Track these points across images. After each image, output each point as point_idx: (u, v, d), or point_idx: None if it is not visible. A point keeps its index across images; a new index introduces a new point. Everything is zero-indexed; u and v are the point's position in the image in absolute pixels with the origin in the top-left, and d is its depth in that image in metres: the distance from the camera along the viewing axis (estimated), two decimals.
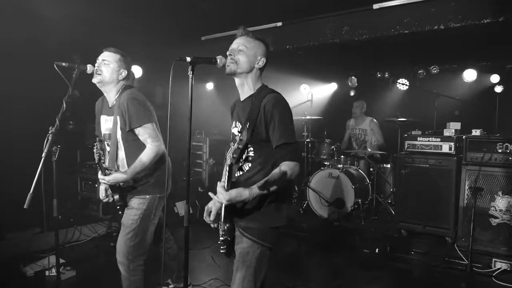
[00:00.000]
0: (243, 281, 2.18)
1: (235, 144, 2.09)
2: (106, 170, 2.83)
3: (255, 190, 2.05)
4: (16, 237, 4.83)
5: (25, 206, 2.40)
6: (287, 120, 2.18)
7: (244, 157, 2.26)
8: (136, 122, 2.86)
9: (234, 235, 2.29)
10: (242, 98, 2.41)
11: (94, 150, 2.80)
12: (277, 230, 2.27)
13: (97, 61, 2.92)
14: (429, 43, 5.26)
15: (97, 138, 2.97)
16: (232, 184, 2.14)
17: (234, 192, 2.04)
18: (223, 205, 2.18)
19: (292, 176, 2.08)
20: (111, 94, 3.00)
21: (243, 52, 2.27)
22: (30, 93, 4.75)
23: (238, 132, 2.35)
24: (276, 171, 2.08)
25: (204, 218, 2.39)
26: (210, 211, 2.36)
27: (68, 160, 5.87)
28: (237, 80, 2.40)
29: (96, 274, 4.27)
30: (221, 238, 2.30)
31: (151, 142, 2.89)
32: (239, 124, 2.36)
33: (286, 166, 2.08)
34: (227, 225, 2.25)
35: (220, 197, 2.05)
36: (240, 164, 2.29)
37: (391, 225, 5.46)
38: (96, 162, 2.79)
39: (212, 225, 2.42)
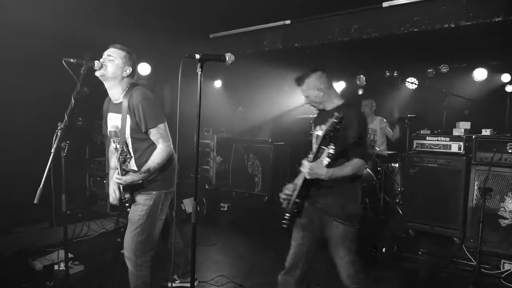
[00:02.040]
0: (348, 254, 2.74)
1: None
2: (124, 171, 2.89)
3: (332, 171, 2.57)
4: (26, 231, 4.89)
5: (35, 201, 2.42)
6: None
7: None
8: (152, 123, 2.89)
9: (301, 210, 2.81)
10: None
11: (119, 152, 2.88)
12: (359, 214, 2.84)
13: (103, 56, 2.94)
14: (439, 41, 5.21)
15: (124, 142, 2.99)
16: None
17: (315, 164, 2.55)
18: (300, 182, 2.70)
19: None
20: (115, 90, 2.99)
21: None
22: (39, 89, 4.79)
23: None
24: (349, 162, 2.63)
25: (280, 195, 2.92)
26: (287, 189, 2.90)
27: (76, 156, 5.92)
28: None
29: (104, 269, 4.31)
30: (286, 215, 2.82)
31: (162, 143, 2.94)
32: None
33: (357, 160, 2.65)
34: (297, 200, 2.76)
35: (304, 169, 2.54)
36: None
37: (398, 224, 5.43)
38: (120, 163, 2.87)
39: (283, 202, 2.91)
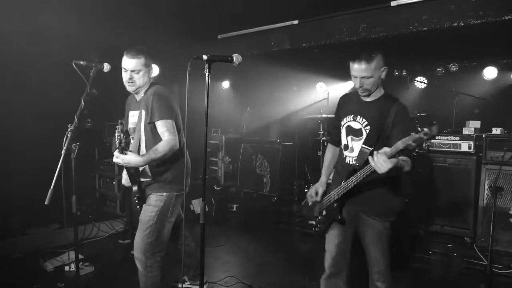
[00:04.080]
0: (384, 254, 2.72)
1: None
2: (124, 150, 2.80)
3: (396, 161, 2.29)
4: (37, 232, 4.94)
5: (46, 202, 2.45)
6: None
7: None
8: (157, 116, 2.89)
9: (339, 216, 2.68)
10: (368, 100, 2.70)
11: (116, 133, 2.78)
12: (398, 207, 2.75)
13: (124, 70, 2.93)
14: (448, 40, 5.17)
15: (119, 121, 2.95)
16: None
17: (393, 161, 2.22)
18: (342, 187, 2.60)
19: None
20: (141, 91, 3.06)
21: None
22: (49, 91, 4.83)
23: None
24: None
25: (308, 196, 2.88)
26: (317, 192, 2.84)
27: (86, 157, 5.97)
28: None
29: (114, 270, 4.34)
30: (319, 217, 2.84)
31: (168, 136, 2.90)
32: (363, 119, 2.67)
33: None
34: (335, 204, 2.69)
35: (380, 161, 2.22)
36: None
37: (408, 224, 5.39)
38: (117, 144, 2.78)
39: (310, 203, 2.91)
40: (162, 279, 3.16)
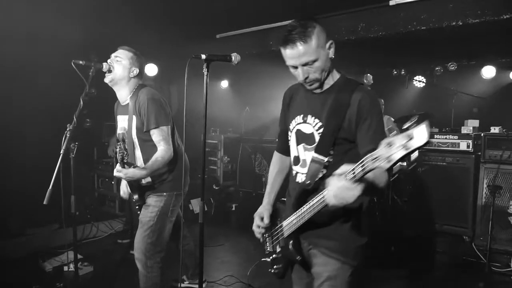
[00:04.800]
0: None
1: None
2: (126, 165, 2.80)
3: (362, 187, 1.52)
4: (36, 232, 4.93)
5: (44, 202, 2.44)
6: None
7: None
8: (155, 123, 2.87)
9: (302, 254, 1.91)
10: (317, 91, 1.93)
11: (117, 150, 2.78)
12: (364, 247, 1.92)
13: (110, 57, 2.95)
14: (447, 39, 5.17)
15: (117, 139, 2.97)
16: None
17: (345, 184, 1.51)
18: (296, 219, 1.86)
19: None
20: (122, 92, 3.01)
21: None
22: (48, 91, 4.83)
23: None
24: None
25: (254, 228, 2.13)
26: (262, 218, 2.09)
27: (85, 157, 5.96)
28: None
29: (113, 270, 4.33)
30: (273, 256, 2.03)
31: (164, 145, 2.89)
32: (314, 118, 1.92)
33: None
34: (291, 241, 1.88)
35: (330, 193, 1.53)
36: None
37: (407, 223, 5.40)
38: (120, 161, 2.76)
39: (261, 239, 2.16)
40: (162, 279, 3.16)
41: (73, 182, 3.05)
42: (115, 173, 2.80)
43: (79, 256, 3.98)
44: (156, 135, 2.90)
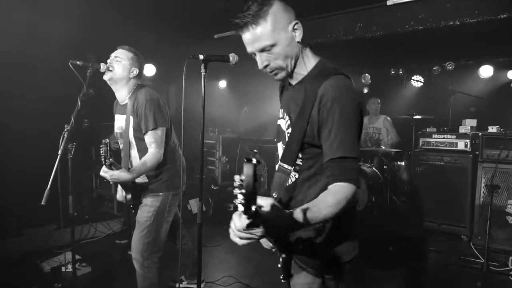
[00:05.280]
0: None
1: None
2: (112, 166, 2.77)
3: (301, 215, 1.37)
4: (33, 233, 4.92)
5: (42, 203, 2.44)
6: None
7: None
8: (152, 124, 2.86)
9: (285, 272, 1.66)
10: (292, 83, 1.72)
11: (101, 151, 2.73)
12: (346, 263, 1.71)
13: (110, 57, 2.94)
14: (444, 39, 5.19)
15: (103, 141, 2.93)
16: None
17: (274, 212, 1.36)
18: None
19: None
20: (121, 92, 3.00)
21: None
22: (45, 92, 4.82)
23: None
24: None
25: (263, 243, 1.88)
26: None
27: (83, 157, 5.94)
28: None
29: (111, 270, 4.33)
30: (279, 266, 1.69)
31: (155, 148, 2.89)
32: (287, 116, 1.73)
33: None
34: (282, 255, 1.62)
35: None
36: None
37: (405, 223, 5.41)
38: (103, 161, 2.73)
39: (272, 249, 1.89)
40: (159, 279, 3.16)
41: (71, 183, 3.05)
42: (101, 173, 2.77)
43: (77, 257, 3.97)
44: (149, 136, 2.89)
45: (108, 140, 2.81)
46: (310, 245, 1.63)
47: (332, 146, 1.46)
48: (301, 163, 1.62)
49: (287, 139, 1.65)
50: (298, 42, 1.59)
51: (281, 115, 1.80)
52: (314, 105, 1.51)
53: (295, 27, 1.57)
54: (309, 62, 1.65)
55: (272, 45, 1.53)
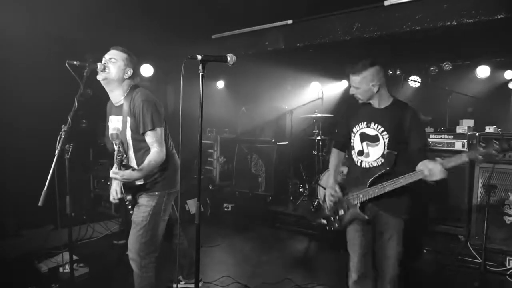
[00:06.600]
0: (398, 245, 2.81)
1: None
2: (123, 167, 2.80)
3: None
4: (31, 233, 4.91)
5: (39, 204, 2.43)
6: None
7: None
8: (150, 125, 2.87)
9: (366, 216, 2.76)
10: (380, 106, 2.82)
11: (116, 152, 2.81)
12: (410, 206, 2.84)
13: (104, 58, 2.93)
14: (442, 39, 5.20)
15: (115, 142, 2.94)
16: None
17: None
18: (376, 188, 2.69)
19: None
20: (116, 93, 2.99)
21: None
22: (42, 92, 4.81)
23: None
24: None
25: (328, 195, 2.94)
26: (336, 190, 2.91)
27: (80, 158, 5.95)
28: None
29: (108, 270, 4.32)
30: (337, 216, 2.90)
31: (157, 147, 2.90)
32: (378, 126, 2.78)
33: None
34: (358, 204, 2.76)
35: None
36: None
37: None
38: (117, 163, 2.79)
39: (330, 203, 2.95)
40: (157, 279, 3.16)
41: (68, 183, 3.05)
42: (111, 175, 2.79)
43: (74, 257, 3.96)
44: (149, 136, 2.90)
45: (116, 137, 2.84)
46: (401, 199, 2.79)
47: (419, 139, 2.82)
48: (396, 152, 2.74)
49: (384, 139, 2.74)
50: (373, 92, 2.81)
51: (364, 126, 2.83)
52: (404, 120, 2.75)
53: (375, 85, 2.80)
54: (388, 97, 2.88)
55: (357, 88, 2.83)
